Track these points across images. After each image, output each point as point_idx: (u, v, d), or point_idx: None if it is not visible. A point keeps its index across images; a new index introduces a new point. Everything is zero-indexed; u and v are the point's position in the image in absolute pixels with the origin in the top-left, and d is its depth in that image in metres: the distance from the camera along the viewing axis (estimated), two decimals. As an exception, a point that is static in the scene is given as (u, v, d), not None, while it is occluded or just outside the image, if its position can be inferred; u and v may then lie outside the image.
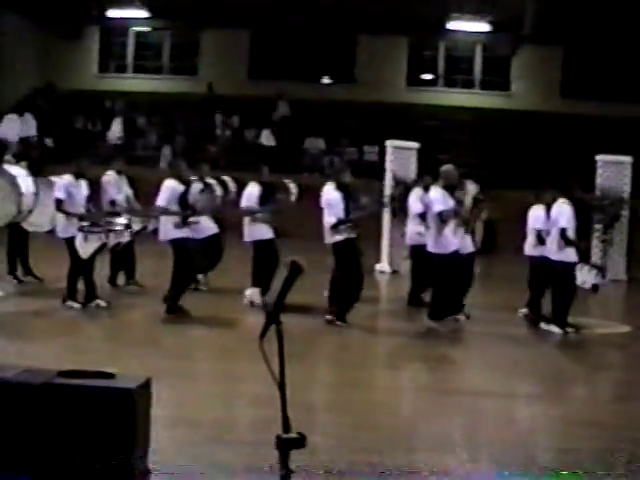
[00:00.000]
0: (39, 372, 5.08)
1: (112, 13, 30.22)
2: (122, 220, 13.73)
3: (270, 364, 3.65)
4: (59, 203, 12.98)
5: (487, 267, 18.67)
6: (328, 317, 12.46)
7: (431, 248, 12.46)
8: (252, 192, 13.85)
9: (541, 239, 13.06)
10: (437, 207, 12.22)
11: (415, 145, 19.99)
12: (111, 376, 4.89)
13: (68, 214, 12.95)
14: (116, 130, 29.31)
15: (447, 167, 12.82)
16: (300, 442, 3.71)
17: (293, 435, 3.70)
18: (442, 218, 12.16)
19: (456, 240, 12.38)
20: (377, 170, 20.92)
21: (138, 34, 33.56)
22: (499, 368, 10.72)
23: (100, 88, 32.34)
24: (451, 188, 12.41)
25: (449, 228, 12.26)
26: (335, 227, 12.46)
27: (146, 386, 5.01)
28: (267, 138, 29.30)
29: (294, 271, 3.73)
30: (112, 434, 4.68)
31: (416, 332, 12.22)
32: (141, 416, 4.87)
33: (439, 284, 12.44)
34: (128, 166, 16.11)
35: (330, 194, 12.77)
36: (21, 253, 15.44)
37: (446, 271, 12.24)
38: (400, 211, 17.42)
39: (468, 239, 13.12)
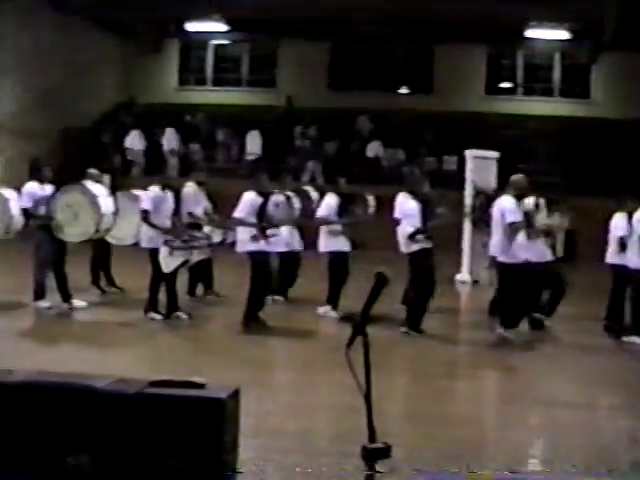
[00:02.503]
0: (131, 382, 5.15)
1: (191, 27, 30.51)
2: (204, 234, 13.84)
3: (356, 375, 3.66)
4: (145, 214, 13.12)
5: (568, 276, 18.46)
6: (403, 329, 12.47)
7: (501, 257, 12.37)
8: (330, 203, 13.88)
9: (623, 247, 12.88)
10: (509, 217, 12.11)
11: (495, 154, 19.86)
12: (201, 386, 4.94)
13: (153, 226, 13.08)
14: (170, 139, 29.62)
15: (517, 176, 12.73)
16: (386, 452, 3.72)
17: (379, 445, 3.70)
18: (513, 228, 12.07)
19: (527, 249, 12.27)
20: (456, 180, 20.82)
21: (217, 47, 33.87)
22: (578, 378, 10.58)
23: (180, 101, 32.67)
24: (521, 197, 12.31)
25: (520, 237, 12.17)
26: (412, 237, 12.45)
27: (235, 396, 5.05)
28: (374, 149, 29.14)
29: (380, 282, 3.74)
30: (202, 443, 4.72)
31: (495, 342, 12.11)
32: (230, 425, 4.91)
33: (510, 293, 12.33)
34: (209, 178, 16.27)
35: (407, 204, 12.76)
36: (104, 264, 15.68)
37: (517, 280, 12.14)
38: (480, 221, 17.30)
39: (545, 248, 13.02)
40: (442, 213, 13.00)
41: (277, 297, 14.99)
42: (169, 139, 29.67)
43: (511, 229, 12.08)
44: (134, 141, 29.63)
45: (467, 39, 30.21)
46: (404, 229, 12.65)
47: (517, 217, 12.07)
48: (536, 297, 13.09)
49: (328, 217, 13.78)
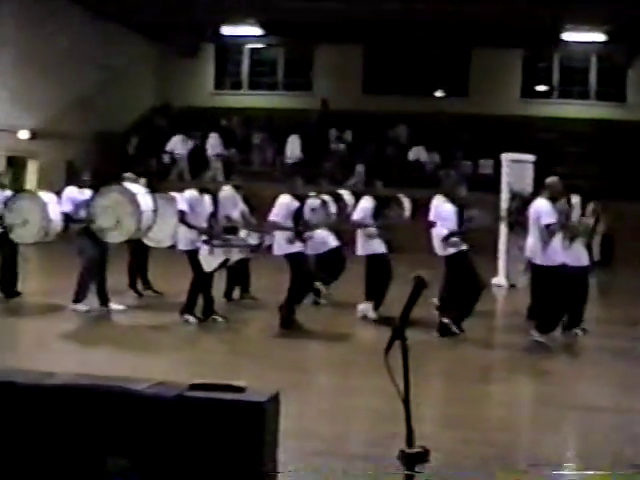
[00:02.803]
0: (171, 385, 5.17)
1: (227, 31, 30.62)
2: (242, 236, 13.91)
3: (395, 379, 3.67)
4: (182, 215, 13.16)
5: (605, 280, 18.38)
6: (445, 320, 12.42)
7: (537, 260, 12.32)
8: (366, 206, 13.89)
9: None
10: (545, 219, 12.05)
11: (531, 158, 19.79)
12: (241, 389, 4.95)
13: (191, 227, 13.12)
14: (215, 144, 29.65)
15: (552, 179, 12.68)
16: (424, 457, 3.72)
17: (417, 449, 3.70)
18: (549, 230, 12.01)
19: (563, 252, 12.21)
20: (492, 183, 20.76)
21: (252, 51, 34.00)
22: (614, 383, 10.48)
23: (216, 105, 32.79)
24: (556, 200, 12.25)
25: (556, 240, 12.10)
26: (446, 239, 12.44)
27: (275, 399, 5.05)
28: (416, 153, 29.04)
29: (419, 286, 3.75)
30: (242, 446, 4.73)
31: (531, 346, 12.05)
32: (270, 429, 4.92)
33: (546, 297, 12.27)
34: (244, 182, 16.35)
35: (443, 207, 12.75)
36: (141, 267, 15.77)
37: (553, 283, 12.09)
38: (517, 224, 17.24)
39: (582, 252, 12.97)
40: (475, 216, 12.98)
41: (318, 300, 15.01)
42: (213, 144, 29.71)
43: (547, 231, 12.03)
44: (177, 145, 29.66)
45: (503, 42, 30.14)
46: (439, 232, 12.66)
47: (553, 219, 12.02)
48: (573, 301, 13.05)
49: (363, 220, 13.79)
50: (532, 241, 12.31)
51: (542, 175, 13.31)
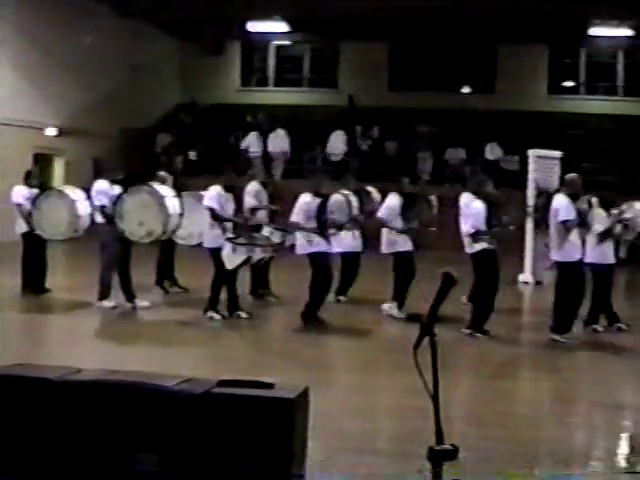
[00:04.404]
0: (199, 381, 5.17)
1: (253, 27, 30.61)
2: (264, 236, 13.91)
3: (424, 376, 3.66)
4: (212, 212, 13.17)
5: (631, 278, 18.28)
6: (466, 330, 12.41)
7: (556, 257, 12.26)
8: (393, 203, 13.84)
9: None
10: (562, 215, 11.98)
11: (558, 154, 19.69)
12: (270, 386, 4.94)
13: (224, 220, 13.13)
14: (253, 143, 29.47)
15: (572, 175, 12.62)
16: (453, 454, 3.70)
17: (446, 447, 3.69)
18: (567, 226, 11.94)
19: (590, 249, 12.14)
20: (519, 180, 20.68)
21: (278, 48, 34.01)
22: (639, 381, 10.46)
23: (242, 102, 32.83)
24: (575, 197, 12.18)
25: (574, 236, 12.03)
26: (474, 237, 12.39)
27: (304, 396, 5.05)
28: (492, 151, 28.85)
29: (447, 282, 3.73)
30: (271, 443, 4.72)
31: (556, 344, 12.01)
32: (299, 425, 4.91)
33: (564, 294, 12.20)
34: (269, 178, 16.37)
35: (472, 204, 12.69)
36: (167, 264, 15.82)
37: (571, 280, 12.03)
38: (543, 221, 17.16)
39: (608, 249, 12.94)
40: (507, 221, 12.93)
41: (341, 297, 15.03)
42: (277, 141, 29.42)
43: (564, 227, 11.95)
44: (252, 143, 29.38)
45: (529, 38, 30.02)
46: (467, 229, 12.60)
47: (571, 216, 11.93)
48: (597, 298, 13.04)
49: (389, 218, 13.73)
50: (552, 238, 12.27)
51: (569, 171, 13.22)
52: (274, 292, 15.30)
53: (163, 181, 14.91)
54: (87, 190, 14.31)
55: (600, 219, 12.99)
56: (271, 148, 29.03)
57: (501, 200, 12.96)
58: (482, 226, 12.32)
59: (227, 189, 13.39)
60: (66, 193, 14.56)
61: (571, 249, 11.99)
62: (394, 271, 13.89)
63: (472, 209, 12.59)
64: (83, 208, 14.14)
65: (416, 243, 13.93)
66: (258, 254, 13.49)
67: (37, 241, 14.73)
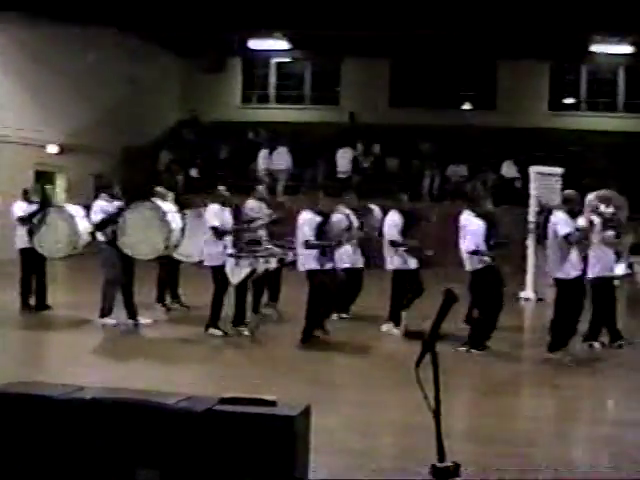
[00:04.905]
0: (201, 399, 5.17)
1: (253, 45, 30.68)
2: (267, 246, 13.94)
3: (426, 392, 3.65)
4: (215, 230, 13.20)
5: (633, 293, 18.26)
6: (462, 348, 12.38)
7: (553, 273, 12.25)
8: (395, 221, 13.83)
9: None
10: (564, 230, 11.95)
11: (559, 170, 19.71)
12: (272, 403, 4.94)
13: (227, 234, 13.16)
14: (261, 161, 29.49)
15: (569, 192, 12.63)
16: (455, 472, 3.70)
17: (449, 464, 3.69)
18: (569, 241, 11.92)
19: (580, 265, 12.12)
20: (520, 196, 20.69)
21: (279, 65, 34.07)
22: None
23: (243, 119, 32.89)
24: (573, 213, 12.16)
25: (573, 254, 12.01)
26: (474, 254, 12.37)
27: (306, 413, 5.04)
28: (508, 169, 28.73)
29: (449, 300, 3.74)
30: (273, 461, 4.72)
31: (558, 360, 12.00)
32: (301, 443, 4.91)
33: (561, 311, 12.18)
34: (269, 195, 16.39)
35: (471, 221, 12.68)
36: (171, 281, 15.83)
37: (567, 297, 12.01)
38: (545, 238, 17.16)
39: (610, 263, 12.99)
40: (504, 237, 12.95)
41: (343, 314, 15.02)
42: (280, 158, 29.48)
43: (567, 242, 11.93)
44: (262, 161, 29.42)
45: (530, 55, 30.07)
46: (467, 247, 12.57)
47: (570, 228, 11.92)
48: (599, 313, 13.04)
49: (394, 235, 13.70)
50: (550, 255, 12.27)
51: (570, 188, 13.22)
52: (279, 309, 15.30)
53: (163, 197, 14.92)
54: (87, 207, 14.34)
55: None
56: (274, 166, 29.10)
57: (500, 217, 12.97)
58: (482, 244, 12.31)
59: (223, 205, 13.45)
60: (66, 210, 14.59)
61: (569, 266, 11.96)
62: (393, 288, 13.89)
63: (471, 227, 12.58)
64: (83, 225, 14.15)
65: (421, 260, 13.93)
66: (262, 265, 13.49)
67: (36, 257, 14.73)
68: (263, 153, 29.44)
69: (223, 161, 31.10)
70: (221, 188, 13.99)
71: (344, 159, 29.35)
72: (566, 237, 11.86)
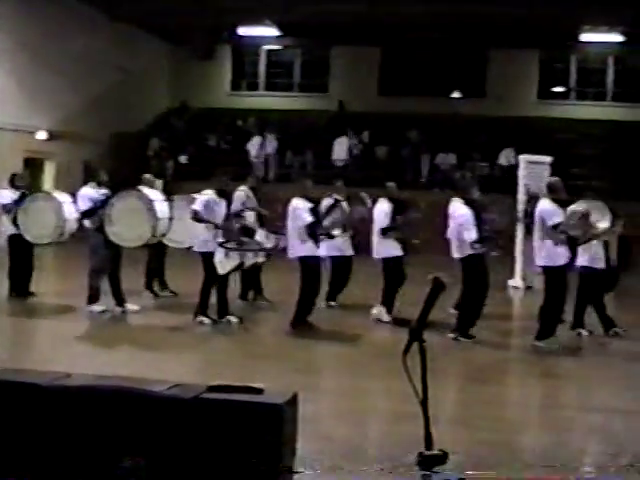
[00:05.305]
0: (189, 387, 5.15)
1: (243, 32, 30.62)
2: (256, 241, 13.91)
3: (413, 381, 3.65)
4: (195, 214, 13.13)
5: (621, 283, 18.29)
6: (451, 335, 12.39)
7: (540, 261, 12.26)
8: (384, 209, 13.84)
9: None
10: (554, 219, 11.94)
11: (548, 159, 19.73)
12: (259, 391, 4.93)
13: (202, 221, 13.10)
14: (254, 148, 29.49)
15: (553, 180, 12.62)
16: (442, 459, 3.70)
17: (436, 452, 3.69)
18: (560, 230, 11.92)
19: (568, 253, 12.11)
20: (509, 185, 20.71)
21: (269, 52, 34.03)
22: (629, 385, 10.43)
23: (232, 106, 32.85)
24: (559, 202, 12.15)
25: (562, 241, 12.01)
26: (464, 243, 12.35)
27: (293, 401, 5.03)
28: (507, 158, 28.56)
29: (437, 288, 3.73)
30: (260, 449, 4.72)
31: (546, 348, 12.02)
32: (288, 431, 4.90)
33: (550, 299, 12.19)
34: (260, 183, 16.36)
35: (459, 210, 12.64)
36: (158, 268, 15.79)
37: (554, 285, 12.03)
38: (533, 226, 17.17)
39: (599, 254, 12.98)
40: (493, 219, 12.93)
41: (332, 302, 15.01)
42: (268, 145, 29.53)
43: (556, 231, 11.92)
44: (254, 148, 29.39)
45: (520, 44, 30.09)
46: (462, 235, 12.50)
47: (559, 218, 11.91)
48: (595, 304, 13.07)
49: (386, 223, 13.71)
50: (537, 243, 12.27)
51: (559, 176, 13.21)
52: (266, 297, 15.28)
53: (150, 184, 14.88)
54: (74, 195, 14.31)
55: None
56: (265, 152, 29.19)
57: (488, 205, 12.96)
58: (473, 231, 12.29)
59: (220, 194, 13.37)
60: (53, 196, 14.56)
61: (556, 254, 11.96)
62: (385, 276, 13.91)
63: (460, 216, 12.54)
64: (70, 212, 14.12)
65: (406, 248, 13.96)
66: (250, 259, 13.48)
67: (24, 244, 14.67)
68: (256, 140, 29.41)
69: (212, 148, 31.08)
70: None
71: (341, 147, 29.33)
72: (555, 227, 11.86)
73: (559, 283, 11.99)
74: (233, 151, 30.22)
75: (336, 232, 14.00)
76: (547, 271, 12.15)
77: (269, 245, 14.28)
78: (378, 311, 13.86)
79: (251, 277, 15.05)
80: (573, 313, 13.11)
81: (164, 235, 13.81)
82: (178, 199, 14.41)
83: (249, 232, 14.08)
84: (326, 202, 13.94)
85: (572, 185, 12.56)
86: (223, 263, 12.90)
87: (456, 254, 12.63)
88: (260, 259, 13.93)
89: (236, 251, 13.05)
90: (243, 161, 28.42)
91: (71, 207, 14.16)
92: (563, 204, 12.11)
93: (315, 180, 13.96)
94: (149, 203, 13.36)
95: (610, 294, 13.97)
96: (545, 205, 12.14)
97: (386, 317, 13.73)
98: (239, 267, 13.33)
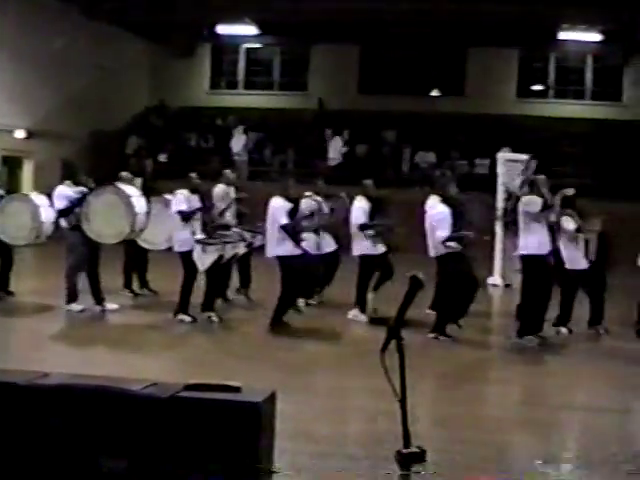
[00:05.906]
0: (166, 386, 5.14)
1: (223, 30, 30.57)
2: (236, 231, 13.93)
3: (391, 379, 3.65)
4: (182, 213, 13.16)
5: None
6: (431, 335, 12.39)
7: (521, 250, 12.29)
8: (362, 207, 13.83)
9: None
10: (532, 209, 12.00)
11: (526, 157, 19.75)
12: (237, 390, 4.92)
13: (190, 215, 13.14)
14: (237, 145, 29.48)
15: (539, 178, 12.67)
16: (421, 457, 3.70)
17: (414, 449, 3.68)
18: (543, 216, 11.97)
19: (549, 245, 12.14)
20: (488, 183, 20.74)
21: (249, 51, 33.97)
22: (610, 383, 10.44)
23: (211, 105, 32.80)
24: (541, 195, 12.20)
25: (544, 231, 12.04)
26: (444, 242, 12.34)
27: (271, 400, 5.03)
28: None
29: (414, 286, 3.73)
30: (238, 447, 4.71)
31: (525, 346, 12.05)
32: (266, 430, 4.90)
33: (528, 293, 12.21)
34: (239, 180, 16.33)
35: (437, 208, 12.64)
36: (140, 266, 15.74)
37: (535, 276, 12.04)
38: (512, 224, 17.19)
39: (579, 252, 13.02)
40: (470, 217, 12.96)
41: (310, 300, 14.98)
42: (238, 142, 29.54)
43: (540, 218, 11.97)
44: (237, 145, 29.39)
45: (499, 41, 30.16)
46: (435, 234, 12.51)
47: (538, 207, 11.97)
48: (568, 299, 13.11)
49: (364, 220, 13.70)
50: (520, 237, 12.30)
51: (537, 174, 13.24)
52: (249, 295, 15.27)
53: (129, 182, 14.82)
54: (50, 195, 14.25)
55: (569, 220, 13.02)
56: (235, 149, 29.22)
57: (466, 202, 12.98)
58: (447, 230, 12.28)
59: (193, 192, 13.40)
60: (30, 198, 14.49)
61: (538, 242, 11.99)
62: (359, 274, 13.90)
63: (437, 214, 12.55)
64: (46, 214, 14.05)
65: (389, 245, 13.96)
66: (229, 251, 13.48)
67: (1, 244, 14.58)
68: (238, 137, 29.40)
69: (191, 147, 31.02)
70: (192, 175, 13.93)
71: (334, 147, 29.35)
72: (542, 211, 11.90)
73: (540, 274, 11.98)
74: (213, 150, 30.16)
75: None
76: (525, 260, 12.16)
77: (247, 237, 14.26)
78: (353, 315, 13.88)
79: (240, 268, 15.06)
80: (558, 310, 13.13)
81: (142, 230, 13.76)
82: (154, 201, 14.38)
83: (225, 228, 14.08)
84: (306, 204, 13.83)
85: (552, 184, 12.56)
86: (202, 259, 12.89)
87: (432, 252, 12.65)
88: (240, 250, 13.91)
89: (213, 245, 13.06)
90: (224, 159, 28.35)
91: (48, 210, 14.08)
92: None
93: (296, 179, 13.93)
94: (126, 198, 13.33)
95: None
96: (529, 199, 12.17)
97: (362, 317, 13.74)
98: (219, 261, 13.29)
